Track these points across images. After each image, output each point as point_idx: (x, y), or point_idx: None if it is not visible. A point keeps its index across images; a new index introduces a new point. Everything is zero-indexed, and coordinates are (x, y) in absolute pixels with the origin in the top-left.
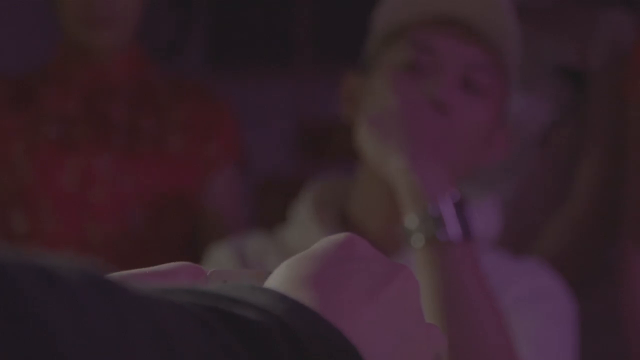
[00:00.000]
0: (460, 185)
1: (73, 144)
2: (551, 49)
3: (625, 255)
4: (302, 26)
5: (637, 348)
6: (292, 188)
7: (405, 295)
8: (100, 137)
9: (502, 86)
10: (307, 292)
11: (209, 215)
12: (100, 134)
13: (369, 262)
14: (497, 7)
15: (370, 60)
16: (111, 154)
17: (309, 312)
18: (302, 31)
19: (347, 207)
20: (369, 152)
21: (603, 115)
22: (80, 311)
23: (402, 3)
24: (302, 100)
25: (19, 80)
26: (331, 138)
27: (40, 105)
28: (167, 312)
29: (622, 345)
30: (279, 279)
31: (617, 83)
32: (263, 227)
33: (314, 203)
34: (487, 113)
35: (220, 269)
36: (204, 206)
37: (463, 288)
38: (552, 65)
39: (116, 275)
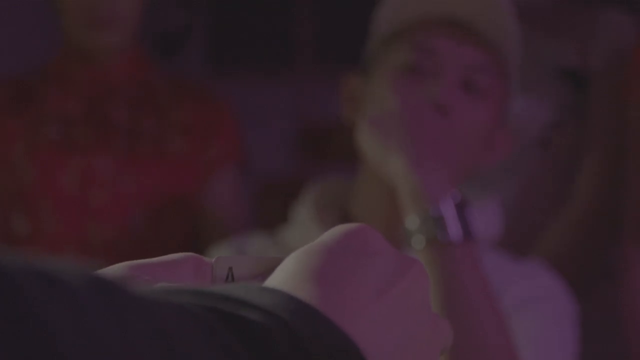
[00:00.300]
0: (460, 186)
1: (73, 145)
2: (551, 49)
3: (625, 255)
4: (302, 27)
5: (637, 348)
6: (292, 189)
7: (414, 292)
8: (101, 138)
9: (502, 87)
10: (313, 288)
11: (210, 216)
12: (101, 134)
13: (379, 257)
14: (498, 7)
15: (370, 62)
16: (112, 155)
17: (312, 311)
18: (302, 32)
19: (348, 207)
20: (369, 153)
21: (603, 116)
22: (80, 311)
23: (403, 4)
24: (303, 101)
25: (19, 81)
26: (332, 139)
27: (41, 106)
28: (167, 312)
29: (622, 345)
30: (287, 271)
31: (618, 83)
32: (264, 228)
33: (315, 204)
34: (488, 114)
35: (225, 255)
36: (205, 207)
37: (464, 289)
38: (552, 66)
39: (122, 265)
